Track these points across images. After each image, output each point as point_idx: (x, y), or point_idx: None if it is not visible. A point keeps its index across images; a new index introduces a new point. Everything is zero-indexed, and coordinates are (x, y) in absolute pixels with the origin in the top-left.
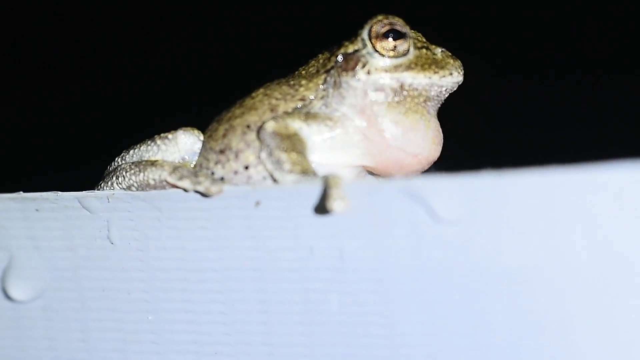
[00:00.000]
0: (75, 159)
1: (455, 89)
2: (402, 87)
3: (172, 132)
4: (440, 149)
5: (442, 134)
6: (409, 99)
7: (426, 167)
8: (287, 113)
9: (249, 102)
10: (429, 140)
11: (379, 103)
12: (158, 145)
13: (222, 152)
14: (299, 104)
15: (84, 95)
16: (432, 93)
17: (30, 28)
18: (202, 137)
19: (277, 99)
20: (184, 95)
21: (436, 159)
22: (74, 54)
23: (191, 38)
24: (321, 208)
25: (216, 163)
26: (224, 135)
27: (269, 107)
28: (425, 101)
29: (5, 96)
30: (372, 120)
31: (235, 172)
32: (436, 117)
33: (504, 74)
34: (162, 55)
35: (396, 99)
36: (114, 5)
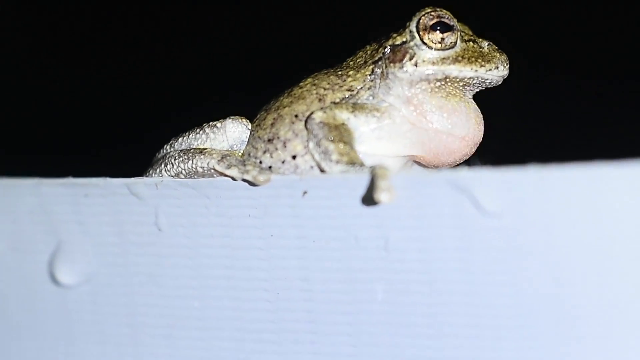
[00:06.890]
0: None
1: (500, 82)
2: (447, 78)
3: (221, 120)
4: (482, 129)
5: (481, 114)
6: (449, 83)
7: (473, 150)
8: (335, 103)
9: (297, 91)
10: (472, 120)
11: (423, 90)
12: (207, 134)
13: (270, 141)
14: (347, 94)
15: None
16: (475, 81)
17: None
18: (250, 126)
19: (324, 88)
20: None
21: (480, 139)
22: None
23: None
24: (368, 198)
25: (264, 152)
26: (272, 125)
27: (316, 97)
28: (464, 85)
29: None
30: (419, 109)
31: (283, 162)
32: (472, 99)
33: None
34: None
35: (438, 84)
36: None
